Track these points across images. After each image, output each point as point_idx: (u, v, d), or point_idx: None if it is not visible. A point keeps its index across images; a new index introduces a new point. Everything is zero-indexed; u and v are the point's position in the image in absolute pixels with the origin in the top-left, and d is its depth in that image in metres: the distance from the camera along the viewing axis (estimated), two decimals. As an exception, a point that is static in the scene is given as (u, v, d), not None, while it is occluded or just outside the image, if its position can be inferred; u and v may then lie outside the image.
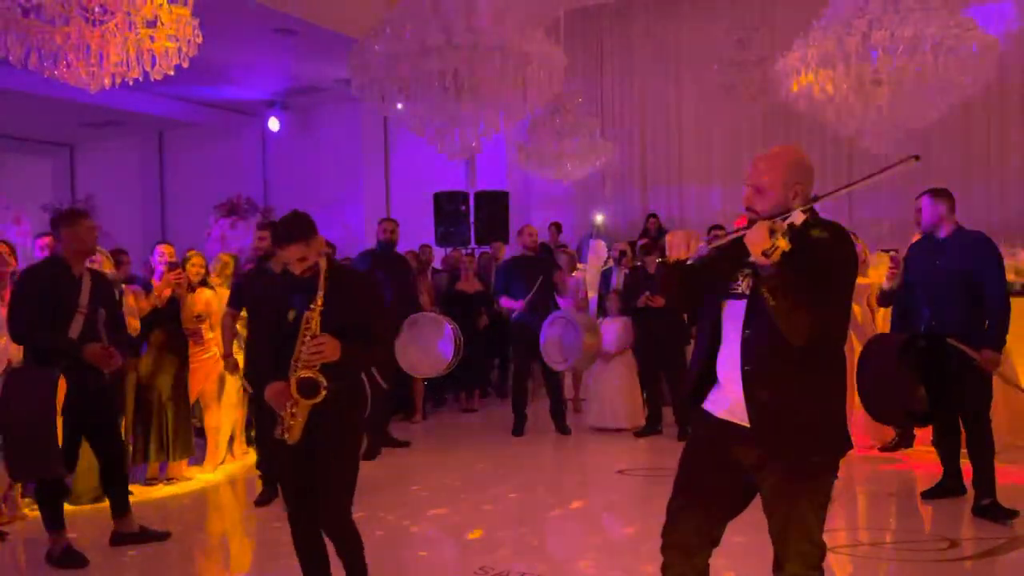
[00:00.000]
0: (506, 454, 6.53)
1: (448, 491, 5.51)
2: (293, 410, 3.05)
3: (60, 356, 4.03)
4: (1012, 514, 4.39)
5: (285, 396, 3.06)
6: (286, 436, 3.08)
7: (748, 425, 2.31)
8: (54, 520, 4.14)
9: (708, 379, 2.45)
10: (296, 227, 3.11)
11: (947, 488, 4.85)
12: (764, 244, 2.10)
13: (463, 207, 11.23)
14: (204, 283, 5.98)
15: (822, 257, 2.22)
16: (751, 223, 2.26)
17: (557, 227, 11.73)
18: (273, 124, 14.37)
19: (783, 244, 2.09)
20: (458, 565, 4.24)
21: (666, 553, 2.46)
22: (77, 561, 4.09)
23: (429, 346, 6.61)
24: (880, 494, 5.16)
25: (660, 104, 12.45)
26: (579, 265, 9.21)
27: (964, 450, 4.69)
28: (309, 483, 3.16)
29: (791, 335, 2.22)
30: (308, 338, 3.03)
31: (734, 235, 2.30)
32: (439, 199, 11.29)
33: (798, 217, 2.24)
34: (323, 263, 3.14)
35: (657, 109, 12.49)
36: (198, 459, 6.09)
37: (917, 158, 2.20)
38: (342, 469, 3.17)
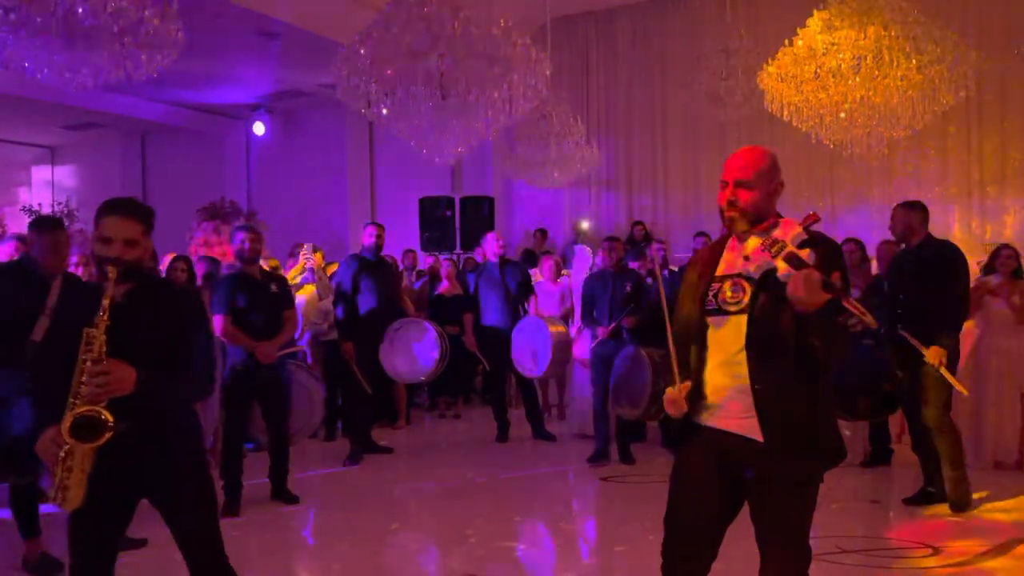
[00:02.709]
0: (490, 461, 6.51)
1: (431, 498, 5.48)
2: (69, 462, 2.32)
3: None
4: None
5: (55, 444, 2.32)
6: (59, 501, 2.36)
7: (750, 437, 2.29)
8: (28, 528, 4.09)
9: (697, 394, 2.41)
10: (142, 208, 2.61)
11: (929, 494, 4.89)
12: (818, 300, 2.05)
13: (448, 212, 11.21)
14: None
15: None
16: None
17: (543, 233, 11.73)
18: (258, 128, 14.31)
19: (856, 310, 2.02)
20: (441, 573, 4.21)
21: (668, 564, 2.44)
22: (52, 567, 4.03)
23: (414, 352, 6.59)
24: (862, 501, 5.18)
25: (645, 111, 12.50)
26: (564, 271, 9.20)
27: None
28: (109, 553, 2.56)
29: (834, 357, 2.26)
30: (89, 363, 2.33)
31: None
32: (424, 204, 11.27)
33: (800, 238, 2.21)
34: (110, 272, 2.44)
35: (643, 116, 12.54)
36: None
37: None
38: (203, 516, 2.62)
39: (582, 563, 4.15)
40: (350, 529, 4.76)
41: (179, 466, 2.58)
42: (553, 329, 6.67)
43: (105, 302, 2.37)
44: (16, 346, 3.95)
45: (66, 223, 16.07)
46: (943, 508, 4.78)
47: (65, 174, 17.32)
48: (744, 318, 2.29)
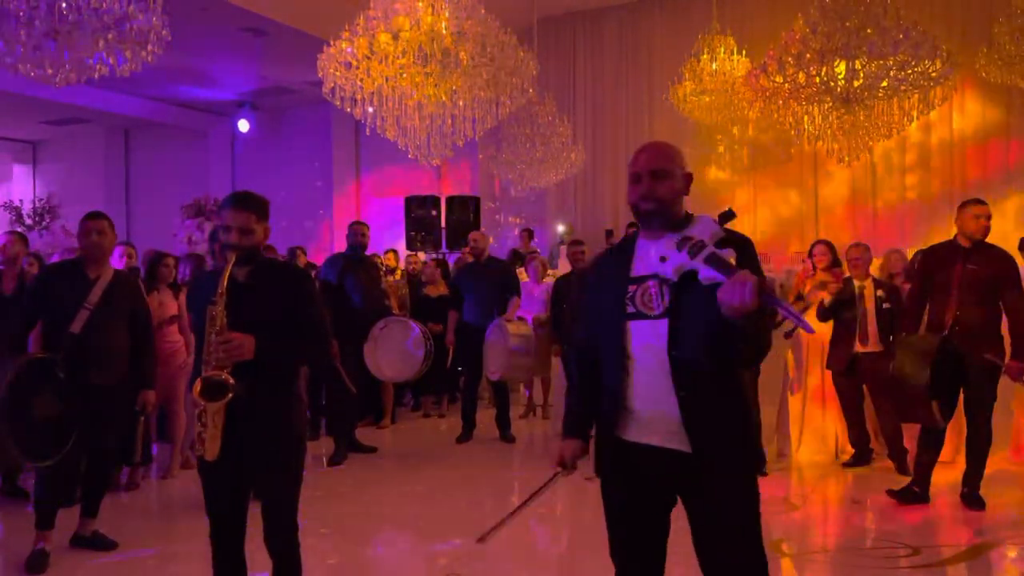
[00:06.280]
0: (474, 460, 6.51)
1: (415, 497, 5.47)
2: (203, 419, 2.74)
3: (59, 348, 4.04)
4: (981, 505, 4.79)
5: (194, 402, 2.76)
6: (202, 451, 2.77)
7: (679, 448, 2.18)
8: (42, 519, 4.12)
9: (619, 408, 2.28)
10: (255, 199, 2.94)
11: (915, 494, 4.92)
12: (752, 306, 1.90)
13: (434, 211, 11.20)
14: (174, 285, 5.89)
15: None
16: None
17: (529, 233, 11.74)
18: (243, 125, 14.23)
19: (793, 317, 1.89)
20: (424, 572, 4.21)
21: None
22: (38, 565, 4.04)
23: (399, 350, 6.57)
24: (843, 501, 5.22)
25: (632, 112, 12.53)
26: (550, 272, 9.22)
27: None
28: (237, 505, 2.94)
29: (758, 359, 2.20)
30: (214, 336, 2.75)
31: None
32: (410, 203, 11.25)
33: (718, 236, 2.12)
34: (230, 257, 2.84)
35: (629, 116, 12.57)
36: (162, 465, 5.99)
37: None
38: (283, 483, 2.93)
39: (565, 562, 4.16)
40: (334, 528, 4.75)
41: (269, 430, 2.86)
42: (513, 331, 6.58)
43: (223, 283, 2.76)
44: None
45: (46, 220, 15.88)
46: (926, 509, 4.83)
47: (47, 170, 17.16)
48: (665, 322, 2.16)
